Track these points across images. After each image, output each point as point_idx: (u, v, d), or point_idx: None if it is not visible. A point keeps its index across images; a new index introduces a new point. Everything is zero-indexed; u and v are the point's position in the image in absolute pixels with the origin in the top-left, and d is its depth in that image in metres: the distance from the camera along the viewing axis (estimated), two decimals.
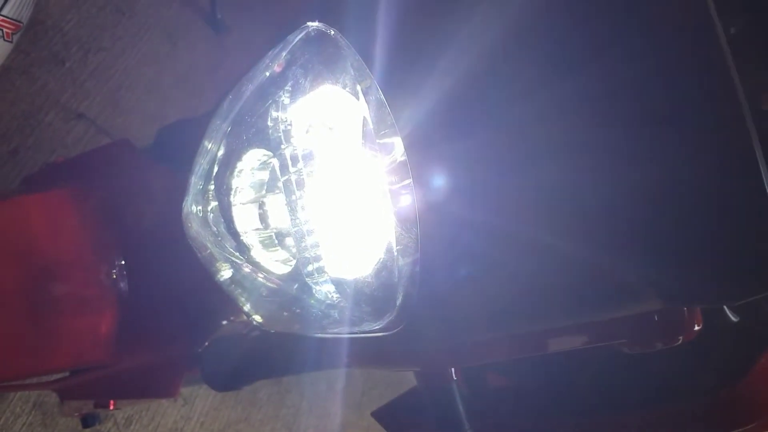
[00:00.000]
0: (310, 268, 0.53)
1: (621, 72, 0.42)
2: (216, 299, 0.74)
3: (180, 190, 0.60)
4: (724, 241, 0.40)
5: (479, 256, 0.47)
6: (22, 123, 1.40)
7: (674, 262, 0.41)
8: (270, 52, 0.52)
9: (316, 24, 0.49)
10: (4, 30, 1.17)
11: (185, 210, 0.57)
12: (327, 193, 0.52)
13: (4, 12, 1.14)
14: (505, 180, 0.46)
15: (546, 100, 0.45)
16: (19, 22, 1.20)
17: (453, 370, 0.58)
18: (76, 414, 0.90)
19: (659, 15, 0.42)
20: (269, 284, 0.55)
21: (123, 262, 0.74)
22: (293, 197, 0.53)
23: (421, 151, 0.47)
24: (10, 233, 0.69)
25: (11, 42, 1.23)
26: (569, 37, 0.44)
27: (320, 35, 0.49)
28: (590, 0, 0.44)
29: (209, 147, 0.58)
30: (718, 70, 0.39)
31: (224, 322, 0.82)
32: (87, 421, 0.94)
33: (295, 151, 0.53)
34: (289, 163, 0.53)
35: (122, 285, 0.73)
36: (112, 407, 0.86)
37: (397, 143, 0.47)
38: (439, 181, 0.48)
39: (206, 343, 0.81)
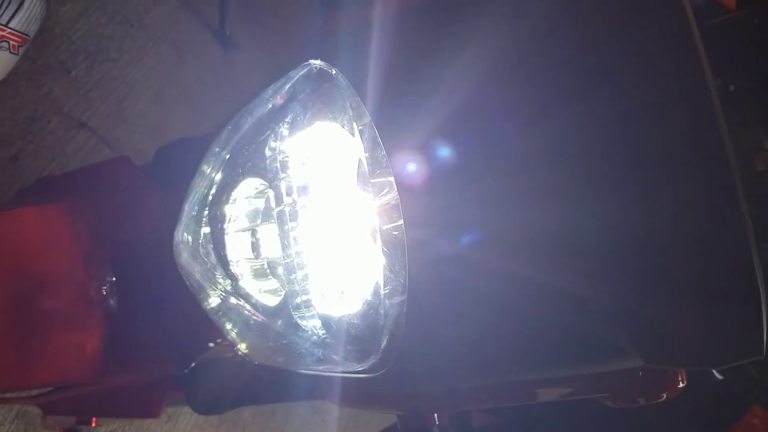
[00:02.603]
0: (297, 300, 0.53)
1: (611, 122, 0.43)
2: (203, 321, 0.74)
3: (175, 211, 0.60)
4: (709, 306, 0.40)
5: (467, 302, 0.47)
6: (24, 129, 1.40)
7: (659, 326, 0.41)
8: (272, 85, 0.53)
9: (318, 62, 0.49)
10: (11, 42, 1.17)
11: (177, 238, 0.57)
12: (319, 227, 0.52)
13: (12, 25, 1.15)
14: (494, 224, 0.46)
15: (534, 144, 0.45)
16: (25, 35, 1.21)
17: (436, 415, 0.57)
18: (59, 428, 0.89)
19: (654, 69, 0.42)
20: (255, 318, 0.55)
21: (113, 280, 0.73)
22: (286, 228, 0.53)
23: (414, 194, 0.47)
24: (2, 246, 0.69)
25: (17, 54, 1.23)
26: (561, 82, 0.45)
27: (321, 73, 0.49)
28: (583, 46, 0.44)
29: (207, 172, 0.58)
30: (709, 129, 0.40)
31: (210, 345, 0.81)
32: None
33: (291, 183, 0.53)
34: (284, 193, 0.53)
35: (111, 303, 0.73)
36: (94, 424, 0.85)
37: (391, 184, 0.47)
38: (431, 223, 0.48)
39: (192, 365, 0.80)
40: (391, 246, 0.46)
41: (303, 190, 0.53)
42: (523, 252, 0.45)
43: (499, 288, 0.46)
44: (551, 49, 0.46)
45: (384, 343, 0.46)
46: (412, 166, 0.48)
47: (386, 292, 0.46)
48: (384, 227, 0.47)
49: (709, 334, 0.40)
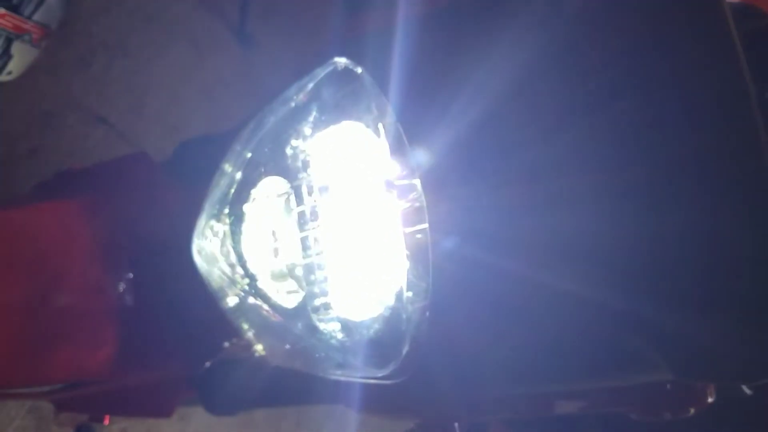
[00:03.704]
0: (317, 302, 0.52)
1: (645, 123, 0.42)
2: (219, 321, 0.74)
3: (193, 209, 0.59)
4: (744, 321, 0.38)
5: (493, 310, 0.46)
6: (43, 123, 1.40)
7: (692, 340, 0.40)
8: (295, 84, 0.52)
9: (343, 60, 0.48)
10: (33, 35, 1.17)
11: (196, 235, 0.56)
12: (341, 228, 0.51)
13: (35, 17, 1.15)
14: (522, 231, 0.45)
15: (565, 148, 0.44)
16: (47, 27, 1.21)
17: (456, 425, 0.56)
18: (71, 425, 0.89)
19: (693, 76, 0.41)
20: (274, 319, 0.55)
21: (130, 276, 0.73)
22: (306, 228, 0.53)
23: (440, 197, 0.46)
24: (19, 241, 0.68)
25: (38, 47, 1.23)
26: (591, 85, 0.44)
27: (346, 72, 0.48)
28: (619, 51, 0.43)
29: (228, 170, 0.58)
30: (748, 139, 0.39)
31: (226, 344, 0.81)
32: None
33: (312, 183, 0.53)
34: (305, 193, 0.53)
35: (128, 300, 0.72)
36: (107, 422, 0.85)
37: (416, 186, 0.46)
38: (456, 227, 0.47)
39: (206, 365, 0.80)
40: (415, 250, 0.45)
41: (324, 190, 0.52)
42: (552, 261, 0.44)
43: (526, 297, 0.45)
44: (584, 52, 0.44)
45: (405, 350, 0.45)
46: (438, 169, 0.47)
47: (409, 296, 0.45)
48: (408, 230, 0.46)
49: (743, 350, 0.39)
